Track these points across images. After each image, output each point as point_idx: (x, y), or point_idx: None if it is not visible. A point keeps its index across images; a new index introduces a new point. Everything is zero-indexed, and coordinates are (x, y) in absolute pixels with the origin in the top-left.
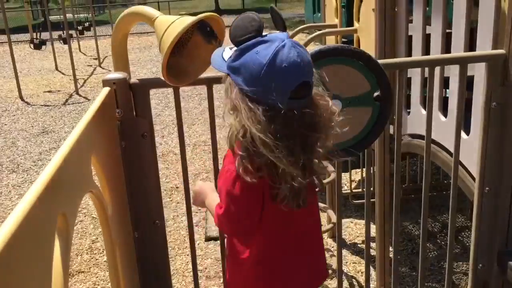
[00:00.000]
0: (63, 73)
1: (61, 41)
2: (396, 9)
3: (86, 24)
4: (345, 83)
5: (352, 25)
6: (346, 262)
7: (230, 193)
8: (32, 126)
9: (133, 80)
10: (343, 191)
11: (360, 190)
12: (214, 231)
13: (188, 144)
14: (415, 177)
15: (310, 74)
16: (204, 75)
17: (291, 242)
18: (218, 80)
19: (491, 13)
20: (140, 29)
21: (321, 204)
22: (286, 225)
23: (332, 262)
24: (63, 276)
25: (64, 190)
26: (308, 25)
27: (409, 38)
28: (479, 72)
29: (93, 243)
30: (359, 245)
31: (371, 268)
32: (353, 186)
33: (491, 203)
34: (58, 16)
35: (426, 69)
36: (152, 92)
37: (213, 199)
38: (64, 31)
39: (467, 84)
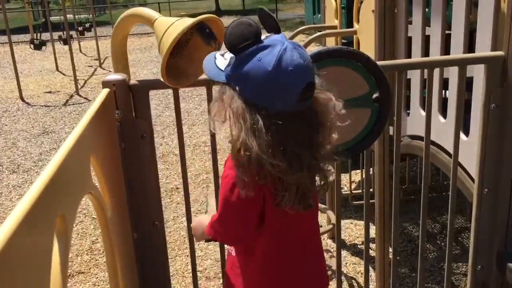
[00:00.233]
0: (63, 74)
1: (61, 42)
2: (395, 10)
3: (87, 25)
4: (344, 85)
5: (352, 26)
6: (346, 263)
7: (226, 200)
8: (33, 127)
9: (133, 81)
10: (343, 192)
11: (360, 191)
12: None
13: (188, 145)
14: (415, 178)
15: (313, 73)
16: (203, 76)
17: (296, 246)
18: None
19: (491, 15)
20: (140, 30)
21: (321, 205)
22: (291, 229)
23: (332, 263)
24: (62, 278)
25: (63, 191)
26: (308, 26)
27: (409, 39)
28: (478, 73)
29: (93, 243)
30: (359, 246)
31: (371, 269)
32: (353, 187)
33: (490, 204)
34: (59, 17)
35: (426, 70)
36: (153, 93)
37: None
38: (65, 32)
39: (466, 85)
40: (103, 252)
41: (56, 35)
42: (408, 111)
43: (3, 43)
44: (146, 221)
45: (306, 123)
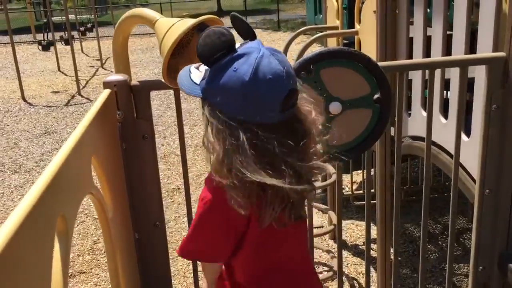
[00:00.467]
0: (65, 74)
1: (63, 42)
2: (397, 11)
3: (89, 25)
4: (345, 85)
5: (353, 27)
6: (347, 264)
7: (201, 223)
8: (35, 127)
9: (134, 82)
10: (344, 193)
11: (361, 191)
12: None
13: (190, 146)
14: (416, 178)
15: (295, 80)
16: None
17: (283, 266)
18: None
19: (492, 15)
20: (142, 30)
21: (322, 206)
22: (276, 247)
23: (333, 263)
24: (63, 278)
25: (64, 191)
26: (309, 27)
27: (410, 40)
28: (479, 74)
29: (94, 243)
30: (360, 247)
31: (372, 270)
32: (354, 188)
33: (492, 205)
34: (61, 17)
35: (427, 71)
36: (154, 93)
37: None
38: (66, 32)
39: (467, 86)
40: (104, 252)
41: (58, 35)
42: (409, 112)
43: (5, 43)
44: (147, 222)
45: (292, 132)
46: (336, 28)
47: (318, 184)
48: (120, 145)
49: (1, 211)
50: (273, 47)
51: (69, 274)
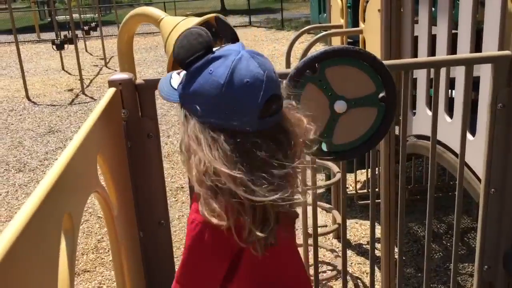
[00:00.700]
0: (69, 73)
1: (54, 46)
2: (402, 10)
3: (93, 24)
4: (350, 84)
5: (357, 25)
6: (351, 263)
7: (194, 247)
8: (39, 126)
9: (139, 80)
10: (348, 192)
11: (365, 190)
12: None
13: None
14: (420, 178)
15: (278, 85)
16: None
17: (279, 281)
18: None
19: (498, 14)
20: (146, 30)
21: (326, 205)
22: (271, 264)
23: (337, 262)
24: (69, 276)
25: (70, 189)
26: (313, 25)
27: (415, 39)
28: (485, 73)
29: (98, 242)
30: (364, 246)
31: (376, 269)
32: (358, 187)
33: (497, 205)
34: (65, 16)
35: (432, 70)
36: (156, 92)
37: None
38: (70, 31)
39: (473, 85)
40: (108, 250)
41: (62, 34)
42: (414, 111)
43: (9, 42)
44: (152, 220)
45: (275, 143)
46: (340, 27)
47: (322, 183)
48: (125, 143)
49: (6, 210)
50: (255, 50)
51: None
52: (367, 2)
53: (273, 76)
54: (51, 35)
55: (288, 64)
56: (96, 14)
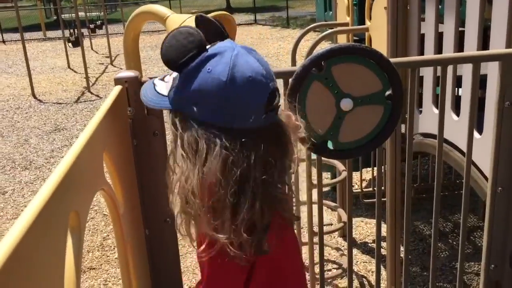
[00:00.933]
0: (75, 71)
1: (70, 44)
2: (408, 7)
3: (98, 23)
4: (357, 82)
5: (363, 23)
6: (357, 262)
7: (213, 275)
8: (45, 124)
9: (145, 78)
10: (354, 190)
11: (370, 189)
12: None
13: None
14: (426, 176)
15: (275, 79)
16: None
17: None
18: None
19: (505, 11)
20: (151, 28)
21: (331, 203)
22: (280, 270)
23: (342, 261)
24: (76, 273)
25: (77, 187)
26: (319, 23)
27: (422, 37)
28: (492, 71)
29: (104, 240)
30: (369, 245)
31: (382, 268)
32: (363, 185)
33: (504, 203)
34: (71, 15)
35: (439, 67)
36: None
37: None
38: (76, 30)
39: (480, 82)
40: (114, 248)
41: (67, 32)
42: (420, 109)
43: (15, 40)
44: (158, 218)
45: (275, 140)
46: (346, 24)
47: (328, 181)
48: (131, 141)
49: (12, 207)
50: (248, 46)
51: None
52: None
53: (270, 70)
54: (57, 33)
55: (293, 62)
56: (102, 12)
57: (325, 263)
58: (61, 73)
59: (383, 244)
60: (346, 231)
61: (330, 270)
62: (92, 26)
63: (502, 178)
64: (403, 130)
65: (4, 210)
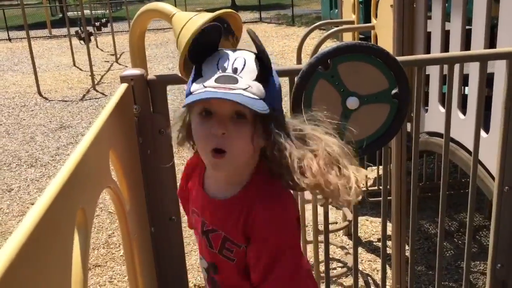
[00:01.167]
0: (80, 69)
1: (82, 40)
2: (414, 5)
3: (103, 20)
4: (363, 80)
5: (369, 21)
6: (361, 260)
7: (293, 245)
8: (50, 121)
9: (151, 76)
10: None
11: (375, 188)
12: None
13: None
14: (431, 175)
15: None
16: None
17: None
18: None
19: None
20: (156, 26)
21: None
22: None
23: (347, 259)
24: (83, 270)
25: (84, 185)
26: (325, 21)
27: (428, 35)
28: (499, 69)
29: (109, 237)
30: (374, 243)
31: (387, 267)
32: (368, 184)
33: (511, 203)
34: (76, 12)
35: (445, 66)
36: (168, 88)
37: None
38: (82, 28)
39: (486, 81)
40: (119, 246)
41: (73, 30)
42: (426, 108)
43: (21, 38)
44: (163, 216)
45: None
46: (352, 22)
47: None
48: (137, 139)
49: (18, 205)
50: None
51: None
52: None
53: None
54: (62, 31)
55: (299, 60)
56: (107, 10)
57: (330, 262)
58: (66, 71)
59: (388, 243)
60: (351, 230)
61: (335, 268)
62: (97, 24)
63: (509, 178)
64: (408, 129)
65: (10, 207)
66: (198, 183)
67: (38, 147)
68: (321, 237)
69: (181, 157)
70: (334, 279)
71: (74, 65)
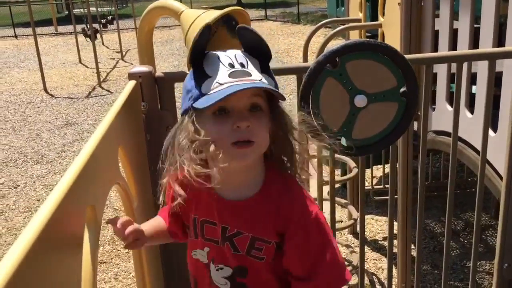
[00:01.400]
0: (86, 66)
1: (88, 37)
2: (422, 3)
3: (109, 18)
4: (371, 78)
5: (376, 19)
6: (367, 259)
7: (332, 241)
8: (56, 118)
9: (158, 73)
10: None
11: (381, 186)
12: None
13: None
14: (438, 174)
15: None
16: None
17: None
18: None
19: None
20: (162, 23)
21: (342, 200)
22: None
23: (352, 258)
24: (92, 266)
25: (93, 182)
26: (331, 19)
27: (436, 33)
28: (507, 68)
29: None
30: (379, 242)
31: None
32: (374, 183)
33: None
34: (82, 10)
35: (453, 64)
36: (175, 85)
37: None
38: (88, 25)
39: (495, 80)
40: None
41: (79, 27)
42: (433, 106)
43: (27, 35)
44: None
45: None
46: (359, 20)
47: (339, 178)
48: (145, 136)
49: (24, 201)
50: None
51: None
52: None
53: None
54: (68, 28)
55: (305, 59)
56: (113, 8)
57: None
58: (72, 68)
59: (394, 242)
60: (356, 228)
61: None
62: (103, 21)
63: None
64: (415, 128)
65: (16, 203)
66: (207, 192)
67: (44, 144)
68: None
69: None
70: None
71: (80, 62)
